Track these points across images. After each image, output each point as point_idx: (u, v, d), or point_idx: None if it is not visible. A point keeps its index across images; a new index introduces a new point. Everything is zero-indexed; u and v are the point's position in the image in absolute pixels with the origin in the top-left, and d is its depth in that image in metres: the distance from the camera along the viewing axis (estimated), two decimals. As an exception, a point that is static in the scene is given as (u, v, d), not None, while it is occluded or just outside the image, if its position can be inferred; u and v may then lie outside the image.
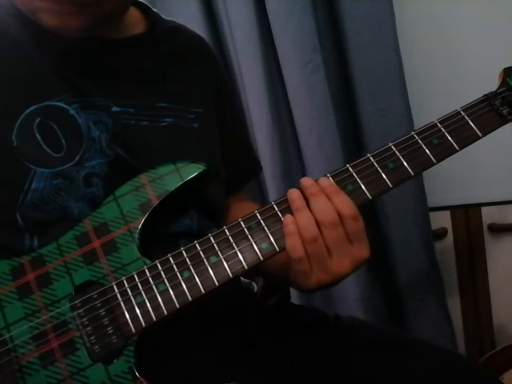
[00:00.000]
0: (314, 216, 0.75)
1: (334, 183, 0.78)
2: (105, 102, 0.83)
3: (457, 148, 0.81)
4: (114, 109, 0.83)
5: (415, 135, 0.81)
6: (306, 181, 0.78)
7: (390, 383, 0.84)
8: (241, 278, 1.22)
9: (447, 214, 1.83)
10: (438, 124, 0.82)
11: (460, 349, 1.86)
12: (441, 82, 1.71)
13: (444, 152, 0.81)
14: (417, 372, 0.84)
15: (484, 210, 1.79)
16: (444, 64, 1.70)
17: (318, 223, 0.75)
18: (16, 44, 0.81)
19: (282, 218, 0.77)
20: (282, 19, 1.58)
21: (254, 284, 1.24)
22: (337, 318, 1.01)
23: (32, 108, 0.78)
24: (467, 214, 1.81)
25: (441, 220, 1.83)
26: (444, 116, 0.83)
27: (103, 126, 0.82)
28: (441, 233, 1.84)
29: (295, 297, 1.70)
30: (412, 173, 0.79)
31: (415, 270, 1.73)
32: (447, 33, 1.68)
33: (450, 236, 1.84)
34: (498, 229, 1.79)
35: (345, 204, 0.76)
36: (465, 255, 1.84)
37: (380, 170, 0.79)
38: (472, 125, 0.82)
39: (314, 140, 1.64)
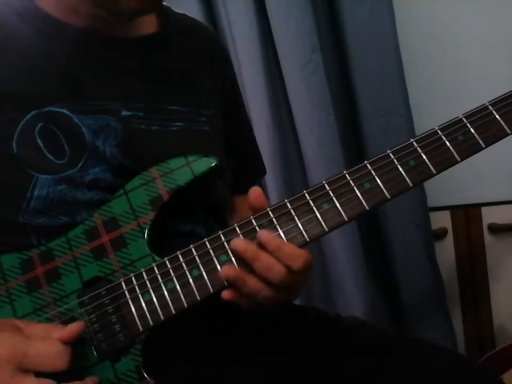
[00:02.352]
0: (261, 276, 0.71)
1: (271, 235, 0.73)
2: (114, 106, 0.81)
3: (483, 146, 0.75)
4: (124, 113, 0.82)
5: (438, 131, 0.76)
6: (238, 245, 0.73)
7: (391, 383, 0.84)
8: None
9: (447, 214, 1.84)
10: (463, 119, 0.76)
11: (459, 349, 1.86)
12: (441, 82, 1.71)
13: (469, 149, 0.75)
14: (418, 372, 0.83)
15: (484, 210, 1.80)
16: (443, 64, 1.70)
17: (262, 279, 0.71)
18: (19, 47, 0.80)
19: (295, 217, 0.74)
20: (282, 19, 1.59)
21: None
22: (338, 318, 1.00)
23: (34, 112, 0.76)
24: (467, 214, 1.82)
25: (441, 220, 1.83)
26: (470, 111, 0.77)
27: (112, 132, 0.80)
28: (441, 233, 1.84)
29: (295, 297, 1.70)
30: (434, 171, 0.75)
31: (415, 270, 1.74)
32: (447, 33, 1.68)
33: (450, 236, 1.85)
34: (498, 229, 1.79)
35: (293, 255, 0.72)
36: (465, 255, 1.85)
37: (400, 168, 0.75)
38: (501, 121, 0.76)
39: (314, 140, 1.64)
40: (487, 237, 1.81)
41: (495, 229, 1.80)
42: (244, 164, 1.07)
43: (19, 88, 0.78)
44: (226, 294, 0.72)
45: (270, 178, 1.72)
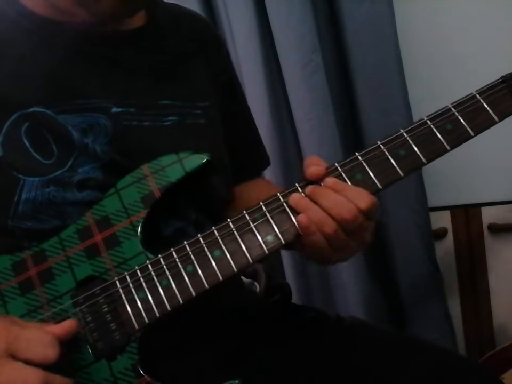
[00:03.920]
0: (329, 212, 0.72)
1: (338, 179, 0.75)
2: (104, 103, 0.80)
3: (472, 134, 0.76)
4: (114, 110, 0.81)
5: (427, 121, 0.77)
6: (308, 189, 0.75)
7: (390, 383, 0.84)
8: (244, 278, 1.22)
9: (447, 214, 1.83)
10: (451, 108, 0.78)
11: (459, 349, 1.86)
12: (441, 82, 1.70)
13: (458, 138, 0.76)
14: (418, 371, 0.84)
15: (484, 210, 1.79)
16: (444, 64, 1.70)
17: (335, 219, 0.72)
18: (3, 48, 0.79)
19: (288, 210, 0.74)
20: (282, 19, 1.59)
21: (256, 284, 1.24)
22: (338, 318, 1.00)
23: (18, 113, 0.75)
24: (467, 214, 1.81)
25: (441, 220, 1.83)
26: (458, 100, 0.78)
27: (101, 129, 0.79)
28: (441, 233, 1.84)
29: (295, 297, 1.70)
30: (425, 161, 0.76)
31: (415, 270, 1.74)
32: (447, 33, 1.68)
33: (450, 236, 1.84)
34: (498, 229, 1.79)
35: (360, 195, 0.73)
36: (465, 255, 1.84)
37: (391, 159, 0.75)
38: (488, 109, 0.77)
39: (314, 140, 1.64)
40: (487, 237, 1.81)
41: (495, 229, 1.79)
42: (245, 155, 1.06)
43: (2, 90, 0.76)
44: (302, 217, 0.72)
45: (270, 178, 1.71)
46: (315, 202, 0.73)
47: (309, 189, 0.75)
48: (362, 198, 0.72)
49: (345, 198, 0.72)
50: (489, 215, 1.79)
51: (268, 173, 1.69)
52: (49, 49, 0.80)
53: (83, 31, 0.81)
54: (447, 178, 1.72)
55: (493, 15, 1.63)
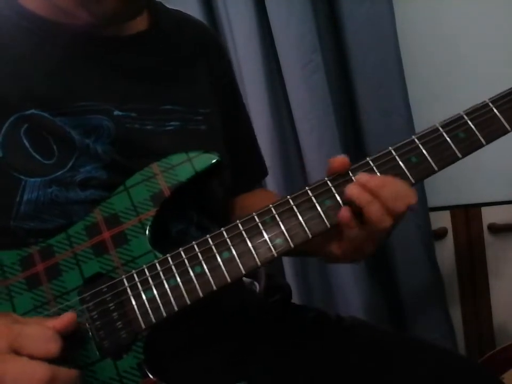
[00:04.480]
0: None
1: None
2: (105, 106, 0.80)
3: (484, 143, 0.75)
4: (116, 113, 0.80)
5: (439, 128, 0.76)
6: (362, 177, 0.73)
7: (390, 383, 0.84)
8: (243, 278, 1.22)
9: (447, 214, 1.84)
10: (464, 116, 0.76)
11: (460, 349, 1.86)
12: (441, 83, 1.71)
13: (470, 146, 0.75)
14: (417, 372, 0.84)
15: (484, 210, 1.80)
16: (444, 64, 1.70)
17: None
18: (2, 50, 0.79)
19: (298, 214, 0.73)
20: (282, 19, 1.59)
21: (256, 283, 1.24)
22: (338, 318, 1.00)
23: (17, 115, 0.75)
24: (467, 214, 1.82)
25: (441, 220, 1.83)
26: (471, 108, 0.77)
27: (105, 131, 0.79)
28: (441, 233, 1.84)
29: (295, 297, 1.69)
30: (436, 168, 0.75)
31: (415, 270, 1.74)
32: (447, 33, 1.68)
33: (450, 236, 1.85)
34: (498, 229, 1.79)
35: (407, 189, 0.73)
36: (465, 255, 1.85)
37: (402, 165, 0.75)
38: (501, 118, 0.76)
39: (314, 140, 1.64)
40: (487, 237, 1.81)
41: (495, 229, 1.80)
42: (244, 164, 1.06)
43: (2, 90, 0.76)
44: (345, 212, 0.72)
45: (270, 178, 1.71)
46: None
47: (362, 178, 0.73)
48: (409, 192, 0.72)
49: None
50: (489, 215, 1.79)
51: (268, 174, 1.69)
52: (50, 49, 0.80)
53: (84, 32, 0.81)
54: (447, 178, 1.72)
55: (493, 15, 1.63)
